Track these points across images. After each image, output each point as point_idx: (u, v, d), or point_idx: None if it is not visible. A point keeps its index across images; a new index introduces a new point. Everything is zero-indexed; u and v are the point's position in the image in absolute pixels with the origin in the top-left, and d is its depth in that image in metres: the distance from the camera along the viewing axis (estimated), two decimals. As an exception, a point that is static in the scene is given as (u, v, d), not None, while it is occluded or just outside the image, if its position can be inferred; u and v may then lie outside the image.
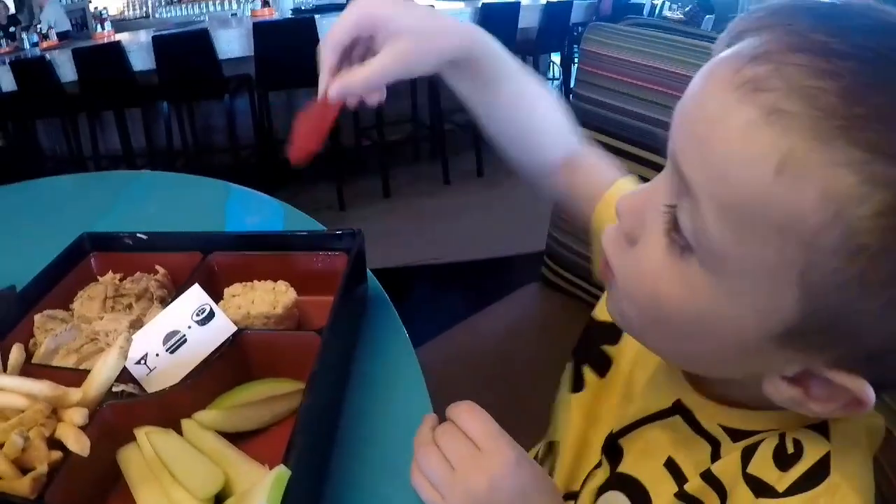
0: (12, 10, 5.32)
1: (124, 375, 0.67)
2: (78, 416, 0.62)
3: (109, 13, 5.22)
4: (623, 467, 0.64)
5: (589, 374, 0.75)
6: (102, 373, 0.65)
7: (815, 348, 0.44)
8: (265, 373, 0.73)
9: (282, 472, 0.52)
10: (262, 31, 3.96)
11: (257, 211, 1.32)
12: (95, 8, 5.21)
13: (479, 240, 3.00)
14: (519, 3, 4.48)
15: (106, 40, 4.68)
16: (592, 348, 0.75)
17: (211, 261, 0.88)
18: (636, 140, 1.23)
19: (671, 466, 0.60)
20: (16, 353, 0.74)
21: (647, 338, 0.57)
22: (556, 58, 6.12)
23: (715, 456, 0.56)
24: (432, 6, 0.66)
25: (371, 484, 0.65)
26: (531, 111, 0.78)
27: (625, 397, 0.69)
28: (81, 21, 5.43)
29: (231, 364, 0.71)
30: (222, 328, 0.71)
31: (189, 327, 0.70)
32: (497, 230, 3.15)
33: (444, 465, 0.57)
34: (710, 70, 0.46)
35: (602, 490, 0.65)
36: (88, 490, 0.61)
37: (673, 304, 0.49)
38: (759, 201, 0.40)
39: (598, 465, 0.67)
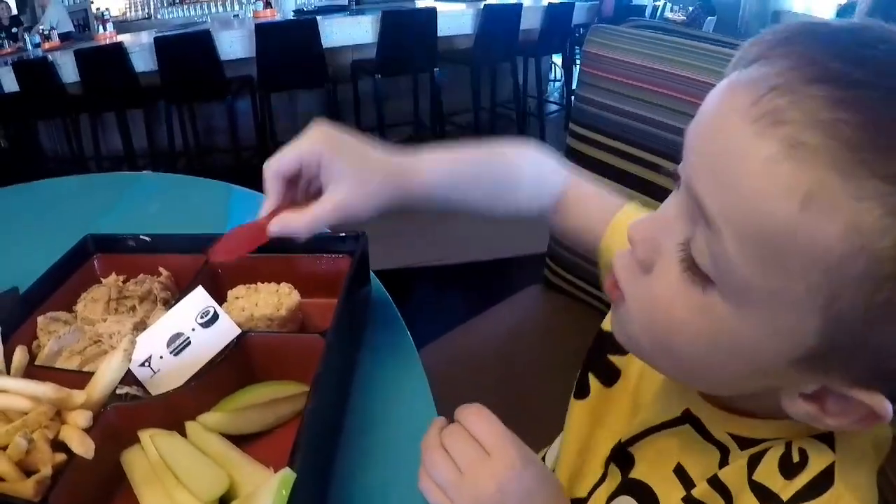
0: (14, 10, 5.32)
1: (128, 378, 0.67)
2: (82, 418, 0.62)
3: (111, 14, 5.22)
4: (635, 474, 0.64)
5: (594, 382, 0.75)
6: (106, 375, 0.65)
7: (835, 369, 0.44)
8: (269, 375, 0.73)
9: (287, 475, 0.52)
10: (264, 33, 3.96)
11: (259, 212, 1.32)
12: (97, 9, 5.21)
13: (480, 241, 3.00)
14: (521, 4, 4.49)
15: (108, 41, 4.68)
16: (600, 357, 0.75)
17: (214, 263, 0.88)
18: (638, 142, 1.23)
19: (679, 472, 0.60)
20: (19, 355, 0.74)
21: (656, 362, 0.57)
22: (557, 59, 6.12)
23: (723, 463, 0.56)
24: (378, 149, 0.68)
25: (376, 486, 0.65)
26: (504, 189, 0.78)
27: (633, 406, 0.69)
28: (84, 22, 5.43)
29: (235, 366, 0.71)
30: (226, 330, 0.71)
31: (193, 329, 0.70)
32: (498, 231, 3.15)
33: (452, 467, 0.57)
34: (724, 97, 0.45)
35: (613, 496, 0.64)
36: (92, 492, 0.61)
37: (690, 332, 0.49)
38: (784, 234, 0.40)
39: (604, 477, 0.67)
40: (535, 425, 0.78)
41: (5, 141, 4.70)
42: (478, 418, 0.58)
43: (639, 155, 1.23)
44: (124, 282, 0.89)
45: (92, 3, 5.37)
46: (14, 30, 5.08)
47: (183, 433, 0.65)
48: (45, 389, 0.65)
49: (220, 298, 0.78)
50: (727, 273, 0.44)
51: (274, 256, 0.87)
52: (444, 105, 4.47)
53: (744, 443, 0.55)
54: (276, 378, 0.73)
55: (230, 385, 0.71)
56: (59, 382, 0.65)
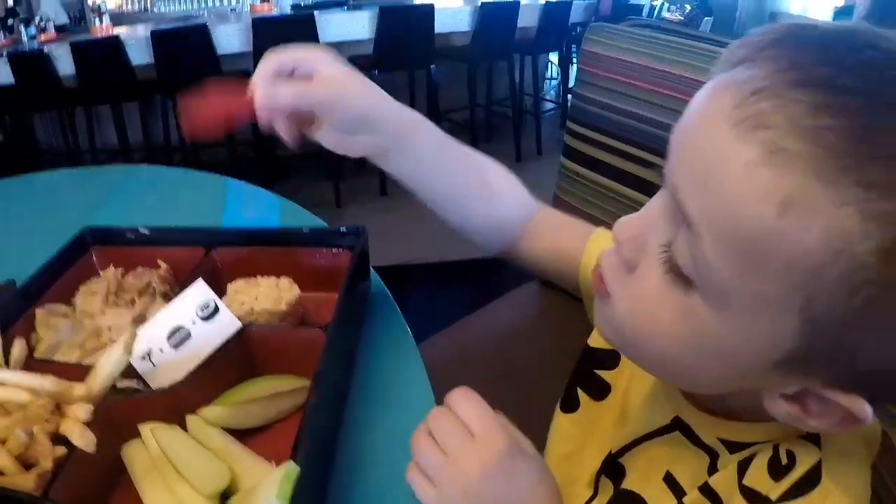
0: (10, 2, 5.30)
1: (128, 371, 0.67)
2: (82, 411, 0.62)
3: (108, 7, 5.20)
4: (626, 484, 0.64)
5: (583, 396, 0.75)
6: (106, 368, 0.65)
7: (814, 371, 0.45)
8: (270, 369, 0.73)
9: (291, 469, 0.52)
10: (262, 27, 3.95)
11: (255, 206, 1.32)
12: (94, 1, 5.19)
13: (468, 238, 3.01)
14: (518, 2, 4.50)
15: (104, 34, 4.64)
16: (588, 373, 0.75)
17: (214, 256, 0.88)
18: (636, 140, 1.24)
19: (670, 481, 0.60)
20: (18, 348, 0.73)
21: (640, 360, 0.58)
22: (554, 57, 6.12)
23: (713, 468, 0.57)
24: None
25: (376, 479, 0.65)
26: (478, 179, 0.81)
27: (622, 417, 0.70)
28: (79, 14, 5.41)
29: (236, 360, 0.71)
30: (227, 324, 0.71)
31: (193, 323, 0.70)
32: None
33: (438, 452, 0.56)
34: (709, 99, 0.46)
35: None
36: (93, 486, 0.61)
37: (671, 334, 0.50)
38: (763, 239, 0.41)
39: (596, 492, 0.67)
40: (534, 422, 0.78)
41: (1, 134, 4.68)
42: (465, 401, 0.58)
43: (636, 153, 1.24)
44: (123, 275, 0.89)
45: (88, -6, 5.35)
46: (9, 21, 5.05)
47: (184, 427, 0.65)
48: (44, 382, 0.65)
49: (219, 292, 0.78)
50: (707, 276, 0.45)
51: (274, 250, 0.87)
52: (441, 102, 4.47)
53: (733, 447, 0.56)
54: (276, 372, 0.73)
55: (231, 379, 0.71)
56: (59, 375, 0.65)
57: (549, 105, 5.62)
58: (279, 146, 4.36)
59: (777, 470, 0.51)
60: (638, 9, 5.37)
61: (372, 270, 0.92)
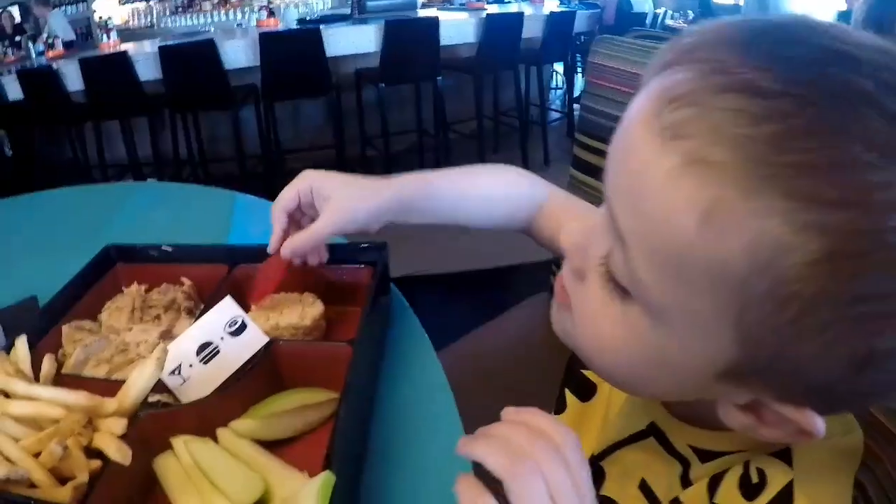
0: (18, 19, 5.33)
1: (158, 386, 0.68)
2: (117, 425, 0.63)
3: (114, 23, 5.24)
4: (605, 490, 0.63)
5: (570, 397, 0.75)
6: (139, 383, 0.66)
7: (758, 384, 0.44)
8: (297, 383, 0.75)
9: (328, 477, 0.53)
10: (268, 42, 3.97)
11: (265, 220, 1.34)
12: (100, 18, 5.23)
13: (485, 249, 3.01)
14: (522, 13, 4.52)
15: (112, 50, 4.68)
16: (574, 372, 0.75)
17: (237, 273, 0.89)
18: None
19: (644, 489, 0.59)
20: (47, 364, 0.74)
21: (594, 369, 0.56)
22: (559, 67, 6.14)
23: (685, 477, 0.56)
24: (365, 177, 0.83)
25: (406, 483, 0.66)
26: (488, 207, 0.87)
27: (605, 420, 0.69)
28: (86, 30, 5.45)
29: (264, 375, 0.73)
30: (254, 339, 0.72)
31: (222, 338, 0.72)
32: (503, 239, 3.17)
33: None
34: (636, 106, 0.44)
35: None
36: (127, 499, 0.62)
37: (616, 343, 0.49)
38: (687, 252, 0.40)
39: None
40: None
41: (10, 149, 4.70)
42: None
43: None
44: (147, 291, 0.90)
45: (94, 11, 5.39)
46: (17, 38, 5.09)
47: (214, 440, 0.66)
48: (77, 397, 0.66)
49: (243, 308, 0.79)
50: (641, 289, 0.44)
51: (297, 267, 0.88)
52: (448, 113, 4.49)
53: (704, 456, 0.55)
54: (303, 385, 0.74)
55: (259, 393, 0.72)
56: (88, 391, 0.66)
57: (555, 115, 5.63)
58: (287, 161, 4.38)
59: (748, 489, 0.50)
60: (641, 17, 5.38)
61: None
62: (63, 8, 5.45)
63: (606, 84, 1.34)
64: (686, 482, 0.56)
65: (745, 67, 0.38)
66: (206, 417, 0.67)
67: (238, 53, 4.14)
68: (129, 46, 4.80)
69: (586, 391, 0.73)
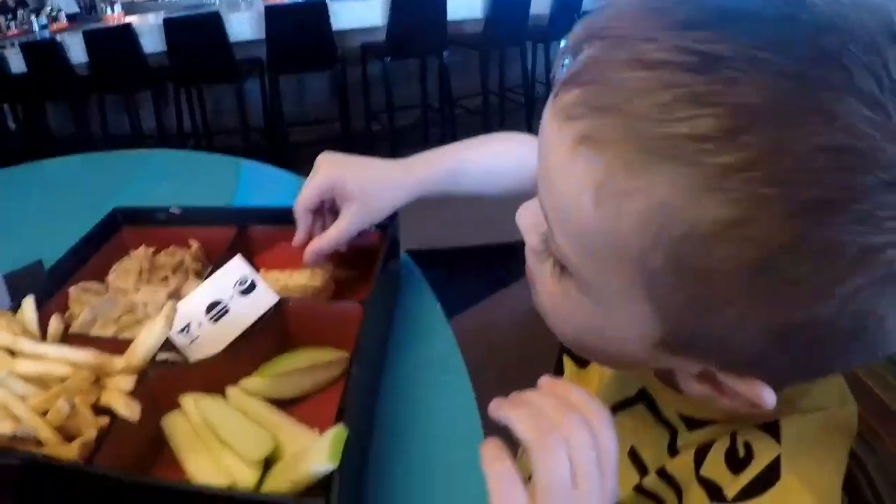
0: (19, -9, 5.31)
1: (167, 345, 0.68)
2: (125, 382, 0.62)
3: (118, -5, 5.21)
4: None
5: (568, 363, 0.74)
6: (147, 341, 0.65)
7: (695, 355, 0.44)
8: (306, 342, 0.74)
9: (340, 430, 0.53)
10: (274, 15, 3.96)
11: (270, 185, 1.34)
12: (104, -10, 5.20)
13: (489, 223, 3.01)
14: (530, -11, 4.48)
15: (116, 23, 4.66)
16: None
17: (247, 234, 0.88)
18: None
19: (633, 456, 0.59)
20: (54, 324, 0.74)
21: (563, 342, 0.57)
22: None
23: (672, 445, 0.56)
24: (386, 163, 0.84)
25: (415, 445, 0.66)
26: (488, 178, 0.90)
27: (598, 386, 0.69)
28: (90, 3, 5.42)
29: (273, 334, 0.72)
30: (264, 298, 0.72)
31: (231, 297, 0.71)
32: (508, 214, 3.16)
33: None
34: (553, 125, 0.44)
35: None
36: (135, 456, 0.62)
37: (565, 318, 0.50)
38: (590, 230, 0.40)
39: None
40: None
41: (14, 123, 4.70)
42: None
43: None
44: (154, 254, 0.89)
45: (98, -17, 5.35)
46: (19, 12, 5.07)
47: (223, 398, 0.66)
48: (84, 355, 0.66)
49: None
50: (570, 265, 0.45)
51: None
52: (453, 89, 4.47)
53: (691, 423, 0.55)
54: (312, 345, 0.74)
55: (269, 352, 0.72)
56: (95, 350, 0.65)
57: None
58: (290, 134, 4.36)
59: (735, 462, 0.50)
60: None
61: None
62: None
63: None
64: (673, 451, 0.56)
65: (632, 40, 0.37)
66: (215, 376, 0.66)
67: (243, 26, 4.13)
68: (133, 19, 4.78)
69: (584, 358, 0.73)
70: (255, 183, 1.32)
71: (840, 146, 0.33)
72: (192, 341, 0.69)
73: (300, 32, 3.97)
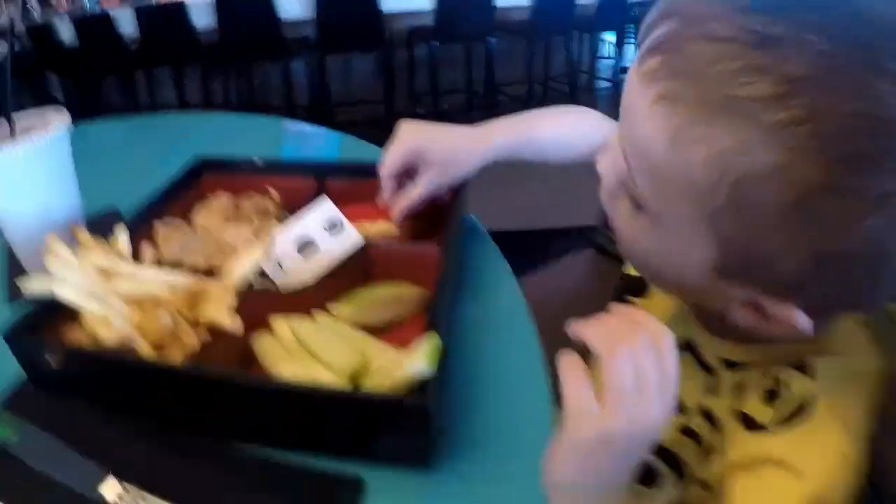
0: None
1: (258, 275, 0.72)
2: (226, 297, 0.67)
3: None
4: None
5: None
6: (243, 267, 0.70)
7: (744, 280, 0.52)
8: (386, 281, 0.78)
9: (435, 338, 0.57)
10: (324, -5, 4.00)
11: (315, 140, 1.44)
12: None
13: (529, 210, 3.03)
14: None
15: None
16: (622, 299, 0.80)
17: (327, 186, 0.93)
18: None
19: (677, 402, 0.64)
20: (149, 251, 0.78)
21: (636, 269, 0.67)
22: (609, 36, 6.06)
23: (711, 388, 0.63)
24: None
25: (489, 380, 0.70)
26: (568, 144, 0.98)
27: None
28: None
29: (357, 271, 0.77)
30: (350, 238, 0.77)
31: (320, 236, 0.76)
32: (548, 200, 3.17)
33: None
34: (634, 59, 0.54)
35: None
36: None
37: (640, 249, 0.59)
38: (664, 169, 0.49)
39: None
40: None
41: (63, 95, 4.76)
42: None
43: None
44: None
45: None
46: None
47: (311, 324, 0.69)
48: (182, 278, 0.71)
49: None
50: (643, 200, 0.54)
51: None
52: (497, 75, 4.49)
53: (731, 365, 0.62)
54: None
55: (352, 287, 0.76)
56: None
57: (604, 83, 5.59)
58: (336, 113, 4.38)
59: (772, 398, 0.57)
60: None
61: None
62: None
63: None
64: (714, 392, 0.62)
65: (707, 19, 0.46)
66: (303, 303, 0.71)
67: (293, 4, 4.17)
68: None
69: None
70: (301, 138, 1.40)
71: (869, 113, 0.42)
72: (281, 273, 0.74)
73: (349, 13, 4.01)
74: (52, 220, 0.86)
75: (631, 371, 0.50)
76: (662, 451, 0.64)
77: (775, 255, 0.47)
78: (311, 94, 4.49)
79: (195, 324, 0.67)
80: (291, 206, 0.91)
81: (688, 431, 0.63)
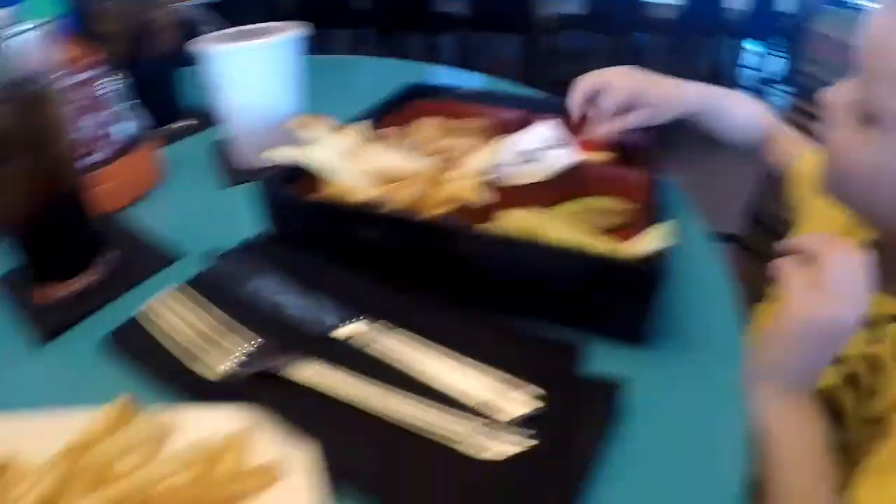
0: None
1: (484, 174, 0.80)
2: (472, 175, 0.76)
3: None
4: None
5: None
6: (476, 162, 0.80)
7: None
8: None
9: (666, 225, 0.63)
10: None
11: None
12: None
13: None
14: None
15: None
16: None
17: (532, 119, 0.99)
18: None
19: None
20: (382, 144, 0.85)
21: (847, 201, 0.72)
22: (749, 46, 5.90)
23: (877, 339, 0.68)
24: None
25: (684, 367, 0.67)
26: (744, 125, 1.08)
27: None
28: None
29: (572, 185, 0.84)
30: (569, 156, 0.85)
31: (542, 149, 0.85)
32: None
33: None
34: (880, 9, 0.63)
35: None
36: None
37: (864, 168, 0.65)
38: None
39: None
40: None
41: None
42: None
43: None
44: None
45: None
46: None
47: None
48: (426, 162, 0.80)
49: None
50: (882, 112, 0.62)
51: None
52: (641, 70, 4.48)
53: (893, 319, 0.68)
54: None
55: (566, 199, 0.84)
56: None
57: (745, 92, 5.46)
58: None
59: None
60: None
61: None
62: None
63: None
64: (876, 342, 0.68)
65: None
66: (525, 202, 0.78)
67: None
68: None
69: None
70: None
71: None
72: (505, 175, 0.83)
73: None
74: (277, 118, 0.98)
75: (848, 267, 0.59)
76: (823, 399, 0.68)
77: None
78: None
79: (437, 203, 0.73)
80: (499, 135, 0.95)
81: (848, 379, 0.69)
